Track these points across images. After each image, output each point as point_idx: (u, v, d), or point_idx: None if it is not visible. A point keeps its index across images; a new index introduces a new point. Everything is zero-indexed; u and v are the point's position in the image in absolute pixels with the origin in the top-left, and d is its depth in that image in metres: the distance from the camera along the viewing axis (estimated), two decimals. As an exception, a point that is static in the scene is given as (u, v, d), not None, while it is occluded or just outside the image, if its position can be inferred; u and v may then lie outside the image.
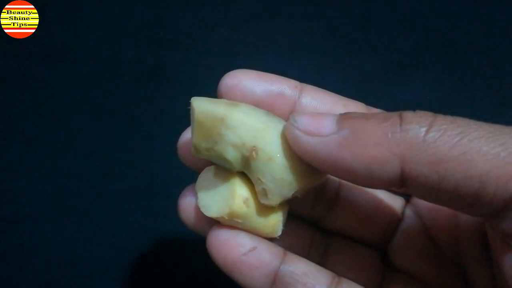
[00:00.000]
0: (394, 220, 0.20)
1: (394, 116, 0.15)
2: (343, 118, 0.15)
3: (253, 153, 0.16)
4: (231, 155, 0.17)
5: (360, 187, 0.20)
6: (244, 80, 0.18)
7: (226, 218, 0.17)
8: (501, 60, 0.36)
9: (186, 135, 0.19)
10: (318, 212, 0.21)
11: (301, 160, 0.16)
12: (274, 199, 0.17)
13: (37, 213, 0.29)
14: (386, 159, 0.14)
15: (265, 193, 0.17)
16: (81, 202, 0.29)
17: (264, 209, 0.18)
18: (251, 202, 0.18)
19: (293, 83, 0.19)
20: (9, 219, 0.29)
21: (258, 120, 0.17)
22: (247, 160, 0.17)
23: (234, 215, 0.17)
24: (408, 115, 0.14)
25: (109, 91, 0.34)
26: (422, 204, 0.20)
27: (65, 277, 0.27)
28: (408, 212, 0.20)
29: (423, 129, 0.14)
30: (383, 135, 0.14)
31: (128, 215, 0.29)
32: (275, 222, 0.18)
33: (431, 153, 0.14)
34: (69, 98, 0.33)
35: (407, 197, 0.21)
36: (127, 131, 0.32)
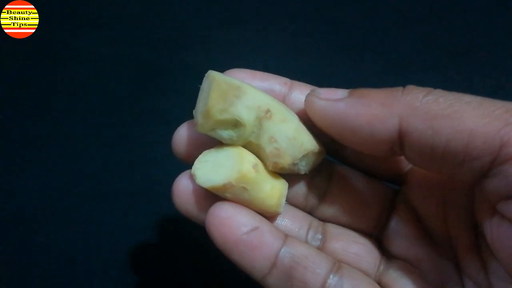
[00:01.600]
0: (386, 209, 0.21)
1: (398, 87, 0.17)
2: (354, 89, 0.18)
3: (268, 114, 0.18)
4: (245, 116, 0.17)
5: (351, 175, 0.21)
6: (238, 78, 0.19)
7: (234, 183, 0.17)
8: (501, 61, 0.36)
9: (181, 131, 0.20)
10: (311, 202, 0.21)
11: (310, 129, 0.18)
12: (286, 158, 0.18)
13: (37, 213, 0.29)
14: (386, 116, 0.16)
15: (278, 152, 0.18)
16: (81, 201, 0.29)
17: (270, 178, 0.18)
18: (259, 168, 0.18)
19: (282, 80, 0.20)
20: (9, 219, 0.29)
21: (268, 95, 0.19)
22: (260, 122, 0.18)
23: (243, 179, 0.17)
24: (411, 86, 0.17)
25: (109, 91, 0.34)
26: (412, 193, 0.20)
27: (65, 277, 0.27)
28: (400, 201, 0.21)
29: (422, 94, 0.16)
30: (386, 98, 0.16)
31: (128, 214, 0.29)
32: (280, 193, 0.18)
33: (426, 111, 0.15)
34: (69, 98, 0.33)
35: (398, 188, 0.21)
36: (127, 131, 0.32)
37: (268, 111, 0.18)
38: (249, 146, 0.18)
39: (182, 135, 0.20)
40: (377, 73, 0.35)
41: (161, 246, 0.29)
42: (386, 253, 0.20)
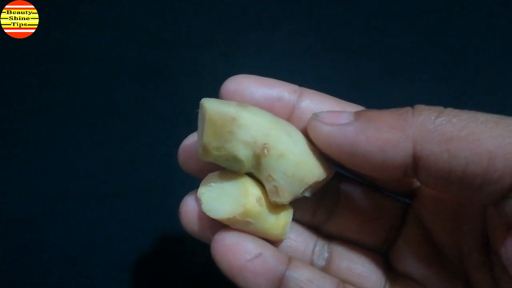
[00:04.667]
0: (395, 225, 0.20)
1: (406, 107, 0.16)
2: (360, 111, 0.17)
3: (265, 150, 0.17)
4: (242, 153, 0.17)
5: (359, 191, 0.21)
6: (244, 85, 0.19)
7: (238, 218, 0.17)
8: (501, 61, 0.36)
9: (187, 143, 0.20)
10: (318, 218, 0.21)
11: (311, 157, 0.17)
12: (285, 196, 0.17)
13: (38, 213, 0.29)
14: (399, 140, 0.15)
15: (276, 190, 0.17)
16: (81, 202, 0.29)
17: (274, 209, 0.18)
18: (263, 201, 0.18)
19: (292, 87, 0.19)
20: (11, 219, 0.29)
21: (267, 120, 0.17)
22: (258, 158, 0.17)
23: (247, 214, 0.17)
24: (420, 106, 0.16)
25: (109, 91, 0.34)
26: (424, 208, 0.20)
27: (65, 277, 0.27)
28: (410, 216, 0.20)
29: (434, 114, 0.15)
30: (396, 120, 0.15)
31: (129, 215, 0.29)
32: (284, 222, 0.18)
33: (441, 133, 0.15)
34: (69, 98, 0.33)
35: (409, 202, 0.21)
36: (127, 131, 0.32)
37: (264, 146, 0.17)
38: (251, 174, 0.18)
39: (187, 147, 0.19)
40: (377, 73, 0.35)
41: (163, 247, 0.29)
42: (392, 270, 0.20)
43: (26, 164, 0.31)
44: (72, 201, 0.29)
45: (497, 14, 0.39)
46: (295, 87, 0.19)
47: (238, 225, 0.18)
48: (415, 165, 0.15)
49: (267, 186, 0.18)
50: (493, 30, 0.38)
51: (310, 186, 0.18)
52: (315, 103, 0.19)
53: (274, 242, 0.19)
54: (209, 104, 0.17)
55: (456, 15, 0.39)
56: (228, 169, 0.18)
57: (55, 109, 0.33)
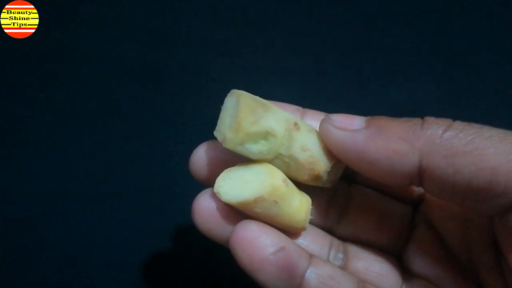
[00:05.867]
0: (406, 227, 0.21)
1: (416, 119, 0.16)
2: (371, 118, 0.17)
3: (296, 126, 0.18)
4: (276, 126, 0.18)
5: (369, 194, 0.21)
6: None
7: (266, 197, 0.17)
8: (501, 62, 0.36)
9: (198, 152, 0.19)
10: (330, 219, 0.21)
11: None
12: (321, 165, 0.18)
13: (38, 213, 0.29)
14: (406, 152, 0.16)
15: (312, 160, 0.18)
16: (82, 202, 0.29)
17: (298, 193, 0.19)
18: (289, 182, 0.18)
19: (294, 108, 0.21)
20: (11, 219, 0.29)
21: (288, 114, 0.19)
22: (289, 133, 0.18)
23: (275, 193, 0.17)
24: (430, 118, 0.16)
25: (109, 91, 0.34)
26: (431, 212, 0.20)
27: (65, 277, 0.27)
28: (420, 219, 0.21)
29: (442, 128, 0.16)
30: (405, 132, 0.16)
31: (129, 215, 0.29)
32: (307, 208, 0.19)
33: (447, 148, 0.15)
34: (69, 98, 0.33)
35: (416, 207, 0.21)
36: (127, 131, 0.32)
37: (295, 123, 0.18)
38: (275, 161, 0.18)
39: (200, 156, 0.19)
40: (377, 73, 0.35)
41: (163, 246, 0.29)
42: (406, 271, 0.20)
43: (26, 164, 0.31)
44: (72, 201, 0.29)
45: (497, 14, 0.39)
46: (298, 107, 0.21)
47: (263, 208, 0.17)
48: (421, 176, 0.16)
49: (302, 157, 0.18)
50: (493, 30, 0.38)
51: (336, 164, 0.18)
52: (316, 121, 0.20)
53: (292, 236, 0.19)
54: (240, 91, 0.18)
55: (456, 15, 0.39)
56: (251, 158, 0.18)
57: (55, 109, 0.33)
